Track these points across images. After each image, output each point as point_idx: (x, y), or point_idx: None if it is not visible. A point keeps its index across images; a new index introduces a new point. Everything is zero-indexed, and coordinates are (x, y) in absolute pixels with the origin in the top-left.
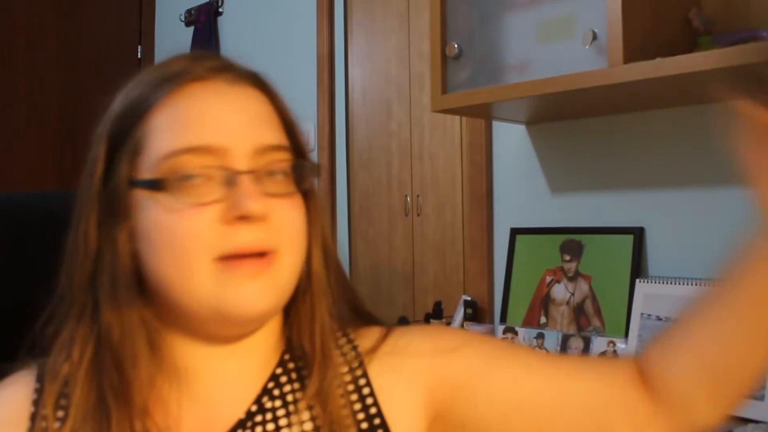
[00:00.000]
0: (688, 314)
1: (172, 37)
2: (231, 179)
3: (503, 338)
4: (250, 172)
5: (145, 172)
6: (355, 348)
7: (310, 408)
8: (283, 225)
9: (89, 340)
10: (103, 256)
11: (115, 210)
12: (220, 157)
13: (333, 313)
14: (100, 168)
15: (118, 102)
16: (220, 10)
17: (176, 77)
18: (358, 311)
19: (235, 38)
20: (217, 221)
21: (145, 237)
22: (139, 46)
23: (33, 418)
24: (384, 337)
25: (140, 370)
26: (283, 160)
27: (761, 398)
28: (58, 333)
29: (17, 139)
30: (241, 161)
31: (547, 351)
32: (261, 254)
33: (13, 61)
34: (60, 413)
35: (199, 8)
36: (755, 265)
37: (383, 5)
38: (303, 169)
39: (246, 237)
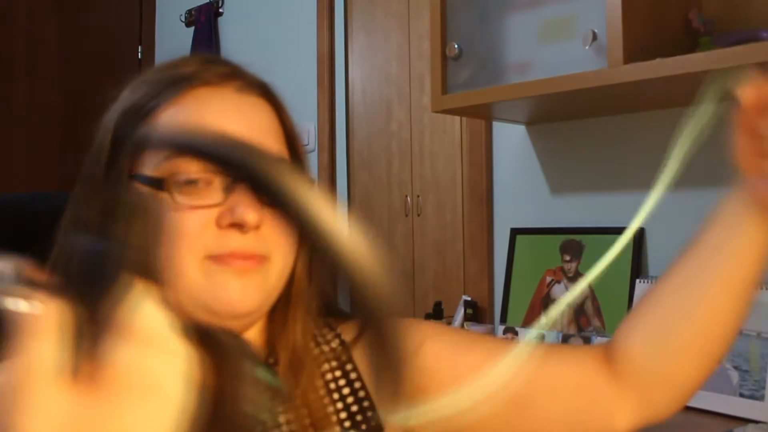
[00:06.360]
0: (652, 288)
1: (172, 37)
2: (230, 186)
3: (503, 338)
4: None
5: (147, 169)
6: (342, 341)
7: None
8: (274, 234)
9: None
10: None
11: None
12: None
13: (309, 321)
14: (105, 156)
15: (127, 95)
16: (221, 10)
17: (185, 80)
18: (339, 311)
19: (235, 38)
20: (212, 224)
21: None
22: (139, 47)
23: None
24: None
25: None
26: None
27: (761, 398)
28: None
29: (17, 139)
30: None
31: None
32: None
33: (14, 62)
34: None
35: (200, 8)
36: (729, 227)
37: (383, 5)
38: None
39: (237, 243)
